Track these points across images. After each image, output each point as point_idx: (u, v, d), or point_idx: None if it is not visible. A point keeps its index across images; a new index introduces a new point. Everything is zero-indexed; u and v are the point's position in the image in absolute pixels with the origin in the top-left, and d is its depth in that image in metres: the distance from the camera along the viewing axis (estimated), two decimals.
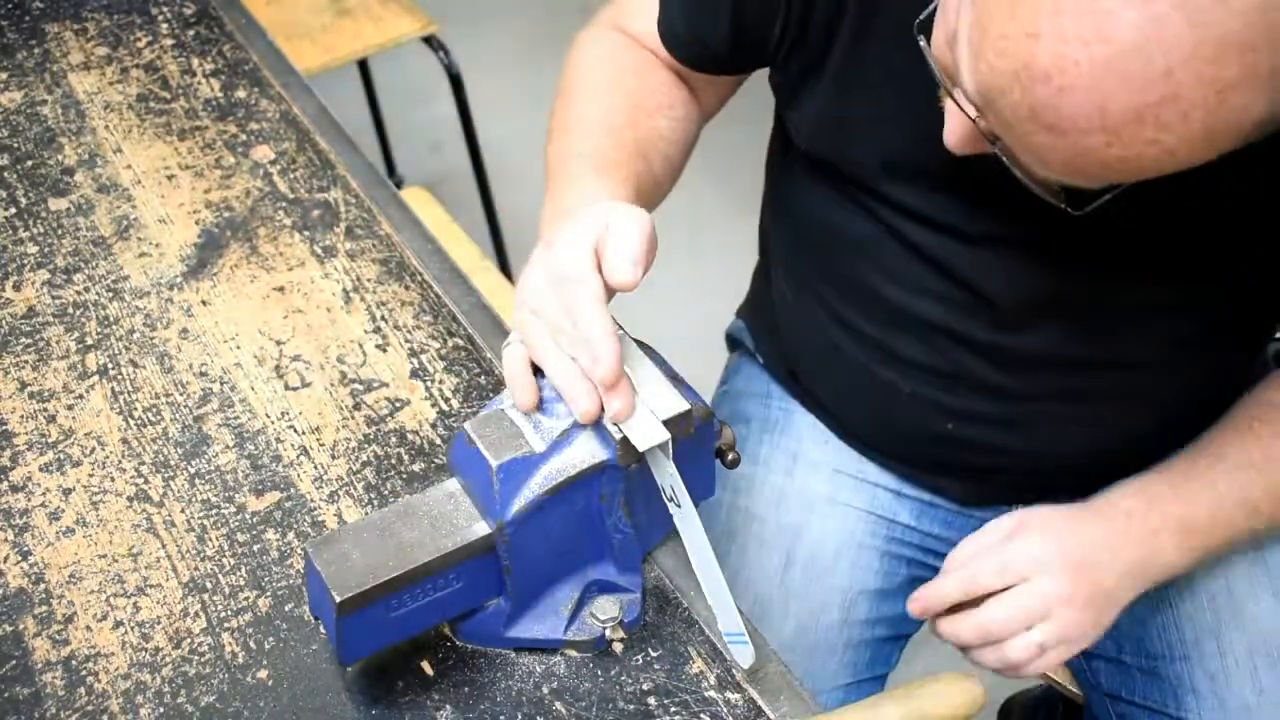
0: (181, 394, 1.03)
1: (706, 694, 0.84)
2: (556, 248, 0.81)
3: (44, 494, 0.96)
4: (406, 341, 1.07)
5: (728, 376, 1.31)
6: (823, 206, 1.06)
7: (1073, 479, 1.09)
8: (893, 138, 0.96)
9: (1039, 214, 0.83)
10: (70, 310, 1.10)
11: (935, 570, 1.17)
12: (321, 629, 0.87)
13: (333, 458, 0.98)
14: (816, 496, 1.16)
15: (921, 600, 1.03)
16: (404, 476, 0.97)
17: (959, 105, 0.76)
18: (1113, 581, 0.99)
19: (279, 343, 1.07)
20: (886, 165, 0.98)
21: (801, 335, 1.16)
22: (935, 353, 1.04)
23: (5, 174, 1.23)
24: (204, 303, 1.11)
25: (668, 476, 0.81)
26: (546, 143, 1.03)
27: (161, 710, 0.83)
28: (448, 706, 0.83)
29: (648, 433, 0.80)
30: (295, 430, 1.00)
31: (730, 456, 0.88)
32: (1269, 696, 1.03)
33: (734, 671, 0.85)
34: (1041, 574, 0.98)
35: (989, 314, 1.00)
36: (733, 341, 1.34)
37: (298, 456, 0.99)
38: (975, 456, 1.10)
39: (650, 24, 1.06)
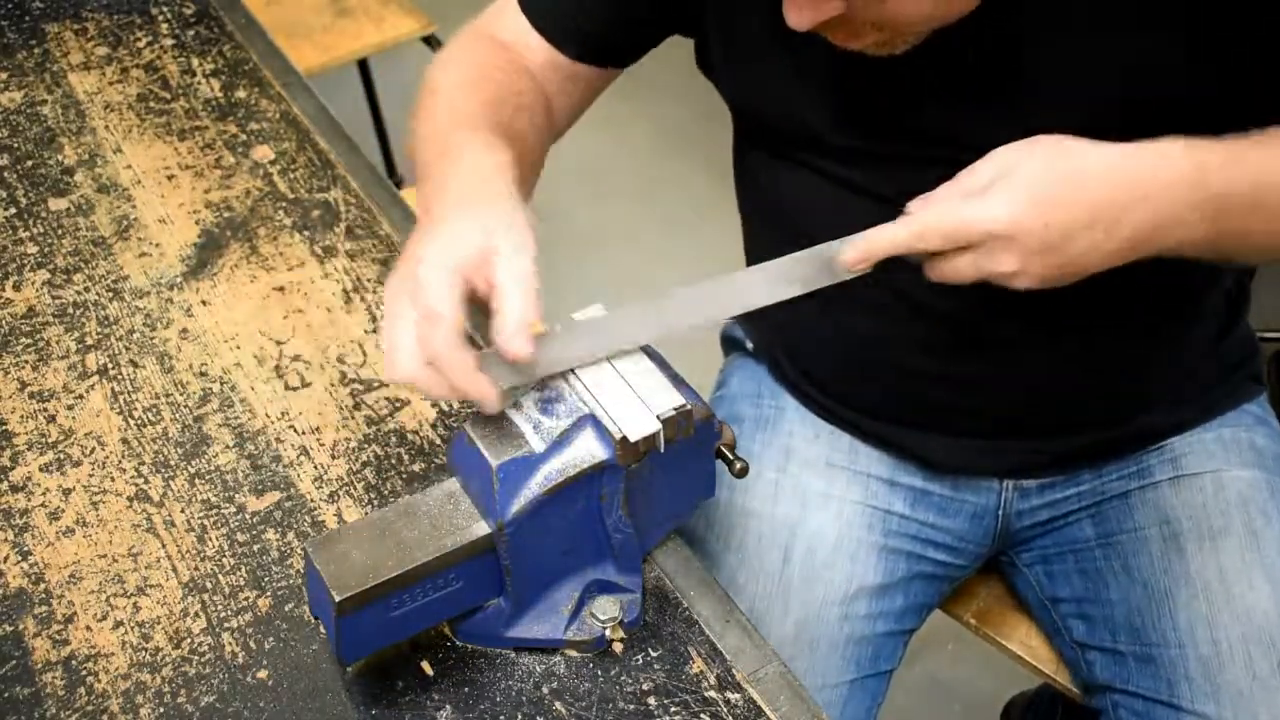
0: (181, 394, 1.03)
1: (706, 694, 0.84)
2: (423, 269, 0.79)
3: (44, 494, 0.96)
4: None
5: (723, 380, 1.32)
6: (771, 171, 1.09)
7: (1044, 415, 1.10)
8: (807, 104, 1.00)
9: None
10: (70, 310, 1.10)
11: (934, 563, 1.18)
12: (321, 629, 0.87)
13: (333, 458, 0.98)
14: (810, 490, 1.16)
15: (861, 244, 0.87)
16: (404, 476, 0.97)
17: None
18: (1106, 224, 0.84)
19: (279, 343, 1.07)
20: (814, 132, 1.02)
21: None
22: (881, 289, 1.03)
23: (5, 174, 1.23)
24: (204, 303, 1.11)
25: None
26: (411, 137, 0.99)
27: (161, 710, 0.83)
28: (448, 706, 0.83)
29: (639, 423, 0.80)
30: (295, 430, 1.00)
31: (738, 466, 0.87)
32: (1262, 682, 1.03)
33: (734, 671, 0.85)
34: (1001, 247, 0.84)
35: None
36: (728, 343, 1.34)
37: (298, 456, 0.99)
38: (943, 395, 1.10)
39: (517, 31, 1.06)
